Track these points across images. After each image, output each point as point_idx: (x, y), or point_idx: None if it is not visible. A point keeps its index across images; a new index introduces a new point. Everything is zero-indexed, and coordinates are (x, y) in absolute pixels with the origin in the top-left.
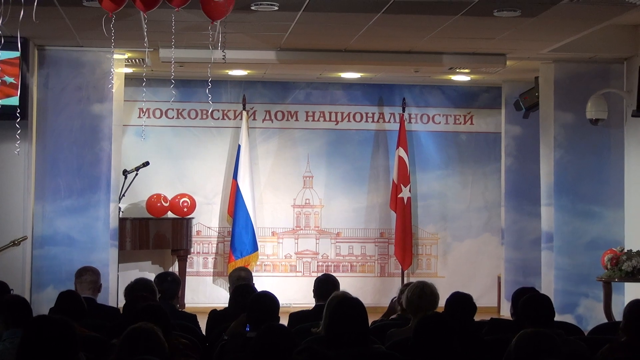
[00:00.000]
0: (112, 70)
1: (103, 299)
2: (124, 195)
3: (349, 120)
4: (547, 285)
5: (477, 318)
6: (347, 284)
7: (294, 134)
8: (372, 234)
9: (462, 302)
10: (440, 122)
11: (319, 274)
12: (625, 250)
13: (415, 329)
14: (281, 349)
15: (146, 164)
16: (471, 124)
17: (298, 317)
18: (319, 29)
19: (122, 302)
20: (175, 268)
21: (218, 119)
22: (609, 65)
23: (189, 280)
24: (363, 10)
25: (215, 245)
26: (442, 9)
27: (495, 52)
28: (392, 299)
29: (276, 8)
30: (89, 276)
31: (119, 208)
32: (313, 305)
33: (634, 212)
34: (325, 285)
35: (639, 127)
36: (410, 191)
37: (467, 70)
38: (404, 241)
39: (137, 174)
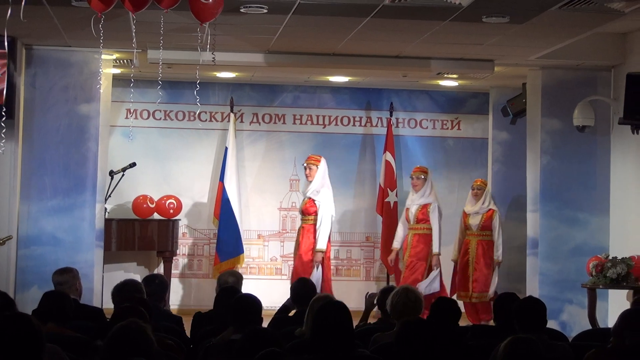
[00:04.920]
0: (100, 70)
1: (87, 300)
2: (110, 196)
3: (336, 124)
4: (532, 291)
5: (462, 323)
6: (333, 287)
7: (281, 136)
8: (358, 237)
9: (446, 307)
10: (427, 127)
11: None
12: (610, 257)
13: (396, 334)
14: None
15: (133, 165)
16: (458, 129)
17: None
18: (307, 33)
19: (106, 303)
20: (160, 270)
21: (205, 120)
22: (596, 73)
23: (174, 282)
24: (352, 14)
25: (201, 247)
26: (431, 14)
27: (484, 58)
28: (367, 294)
29: (265, 11)
30: (67, 277)
31: (105, 209)
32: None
33: (619, 219)
34: (303, 290)
35: (626, 135)
36: (397, 196)
37: (455, 76)
38: (390, 245)
39: (123, 175)
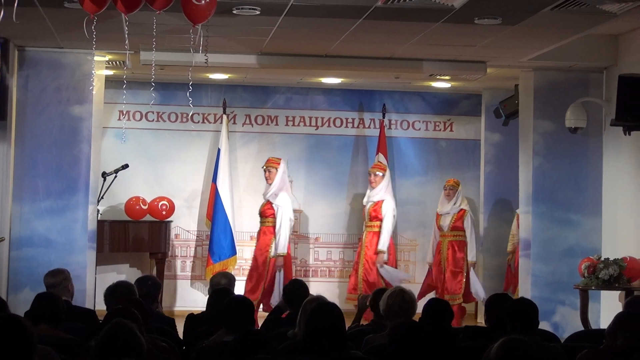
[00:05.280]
0: (92, 72)
1: (80, 302)
2: (102, 197)
3: (328, 126)
4: (524, 293)
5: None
6: (325, 289)
7: (274, 138)
8: (351, 239)
9: (439, 308)
10: (420, 129)
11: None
12: (603, 259)
13: (389, 336)
14: (259, 353)
15: (125, 166)
16: (451, 130)
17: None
18: (300, 34)
19: (99, 305)
20: (153, 271)
21: (198, 122)
22: (588, 74)
23: (167, 284)
24: (344, 16)
25: (193, 249)
26: (424, 16)
27: (476, 59)
28: (359, 296)
29: (258, 12)
30: (59, 278)
31: (98, 210)
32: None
33: (611, 220)
34: (296, 291)
35: (618, 136)
36: None
37: (447, 77)
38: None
39: (116, 177)
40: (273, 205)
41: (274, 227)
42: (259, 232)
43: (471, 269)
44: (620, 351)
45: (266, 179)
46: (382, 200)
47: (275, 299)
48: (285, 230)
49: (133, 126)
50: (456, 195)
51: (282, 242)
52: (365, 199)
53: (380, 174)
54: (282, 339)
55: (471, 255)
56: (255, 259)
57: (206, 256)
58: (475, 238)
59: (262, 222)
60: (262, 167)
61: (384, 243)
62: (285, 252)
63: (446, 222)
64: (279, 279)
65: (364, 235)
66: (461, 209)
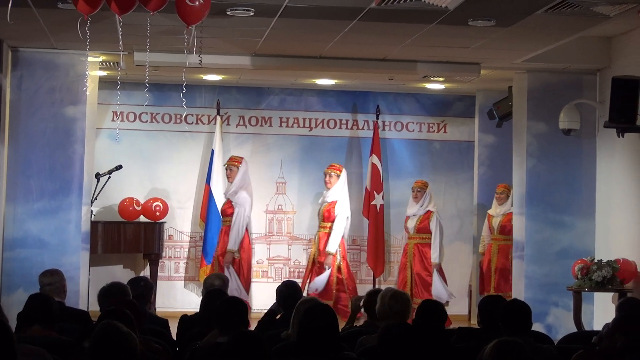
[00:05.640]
0: (86, 73)
1: (73, 303)
2: (96, 198)
3: (322, 127)
4: (518, 294)
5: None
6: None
7: (268, 139)
8: (345, 240)
9: (432, 309)
10: (413, 130)
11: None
12: (596, 260)
13: (379, 338)
14: (252, 355)
15: (119, 167)
16: (444, 132)
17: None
18: (294, 36)
19: (92, 306)
20: (146, 272)
21: (192, 123)
22: (582, 76)
23: (160, 285)
24: (338, 17)
25: (187, 250)
26: (418, 18)
27: (470, 61)
28: (353, 297)
29: (252, 14)
30: (53, 279)
31: (91, 211)
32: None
33: (604, 222)
34: (289, 292)
35: (611, 138)
36: (383, 198)
37: (441, 79)
38: (376, 248)
39: (109, 178)
40: (233, 203)
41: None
42: (220, 232)
43: (435, 270)
44: (617, 353)
45: (227, 177)
46: (336, 201)
47: None
48: (238, 227)
49: (127, 127)
50: (424, 197)
51: (232, 239)
52: (320, 199)
53: (336, 175)
54: (275, 340)
55: (434, 257)
56: (218, 260)
57: (200, 257)
58: (440, 240)
59: (223, 222)
60: (224, 165)
61: (332, 245)
62: (235, 249)
63: (412, 224)
64: (230, 275)
65: (316, 236)
66: (427, 211)
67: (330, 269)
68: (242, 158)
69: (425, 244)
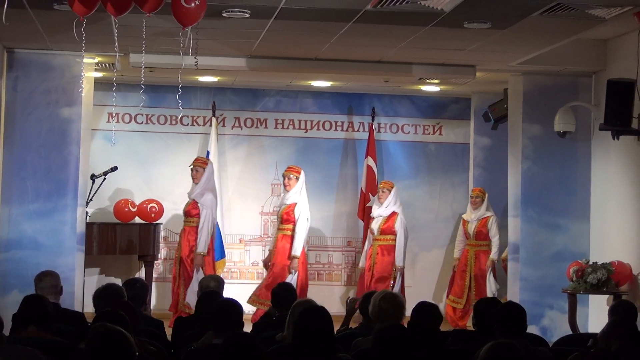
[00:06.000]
0: (81, 74)
1: (68, 304)
2: (91, 199)
3: (318, 129)
4: (513, 297)
5: (444, 328)
6: (314, 292)
7: (263, 141)
8: (340, 242)
9: (428, 311)
10: (409, 132)
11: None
12: (591, 263)
13: (373, 339)
14: (247, 357)
15: (114, 168)
16: (440, 134)
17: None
18: (289, 37)
19: (87, 307)
20: (141, 274)
21: (187, 125)
22: (577, 79)
23: (155, 286)
24: (334, 19)
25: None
26: (413, 20)
27: (465, 63)
28: (348, 299)
29: (247, 15)
30: (49, 280)
31: (86, 213)
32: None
33: (599, 224)
34: (284, 294)
35: (606, 141)
36: None
37: (436, 81)
38: None
39: (105, 179)
40: (199, 205)
41: (197, 227)
42: (182, 232)
43: (398, 274)
44: (610, 355)
45: (193, 178)
46: (295, 203)
47: (191, 298)
48: (207, 229)
49: (122, 128)
50: (388, 198)
51: (202, 242)
52: (279, 202)
53: (295, 177)
54: (271, 342)
55: (398, 260)
56: (181, 260)
57: None
58: (404, 243)
59: (186, 222)
60: (190, 166)
61: (297, 248)
62: (205, 252)
63: (376, 225)
64: (197, 278)
65: (273, 238)
66: (393, 212)
67: (296, 273)
68: (208, 160)
69: (388, 245)
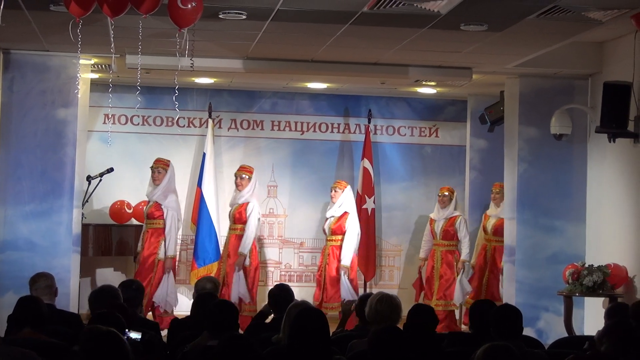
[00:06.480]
0: (78, 75)
1: (64, 305)
2: (87, 201)
3: (314, 131)
4: (509, 299)
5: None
6: (310, 294)
7: (259, 143)
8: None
9: (423, 313)
10: (405, 134)
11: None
12: (587, 265)
13: (369, 341)
14: (243, 358)
15: (110, 170)
16: (436, 136)
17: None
18: (286, 39)
19: (83, 309)
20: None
21: (183, 126)
22: (573, 81)
23: None
24: (331, 21)
25: (178, 253)
26: (409, 22)
27: (462, 65)
28: (344, 301)
29: (244, 17)
30: (44, 281)
31: (82, 214)
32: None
33: (595, 227)
34: (282, 296)
35: (602, 143)
36: (374, 202)
37: (433, 83)
38: (367, 252)
39: (101, 180)
40: (162, 207)
41: (163, 229)
42: (144, 234)
43: (342, 273)
44: (604, 357)
45: (154, 180)
46: (247, 203)
47: (162, 299)
48: (174, 232)
49: (118, 130)
50: (340, 198)
51: (172, 245)
52: (230, 201)
53: (247, 176)
54: (266, 344)
55: (344, 259)
56: (143, 260)
57: (191, 260)
58: (353, 242)
59: (148, 224)
60: (150, 167)
61: (245, 246)
62: (172, 255)
63: (328, 225)
64: (168, 281)
65: (226, 238)
66: (344, 212)
67: (240, 271)
68: (169, 161)
69: (338, 246)
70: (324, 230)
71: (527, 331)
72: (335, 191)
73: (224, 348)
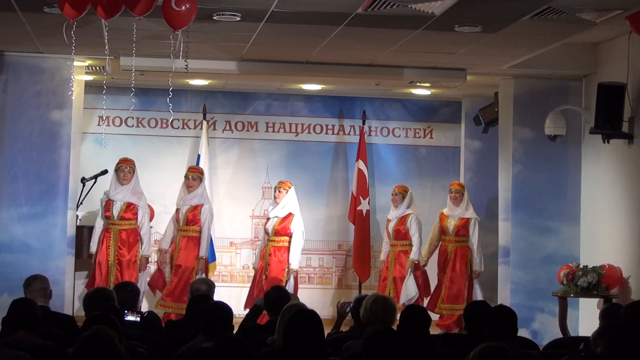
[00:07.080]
0: (72, 77)
1: (58, 307)
2: (81, 203)
3: (309, 132)
4: (504, 300)
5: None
6: (305, 295)
7: (254, 144)
8: (331, 245)
9: (417, 314)
10: (400, 136)
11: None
12: (581, 266)
13: (363, 342)
14: None
15: (105, 172)
16: (431, 137)
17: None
18: (280, 41)
19: (78, 311)
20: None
21: (178, 128)
22: (567, 82)
23: (147, 290)
24: (325, 22)
25: None
26: (404, 23)
27: (456, 66)
28: (339, 303)
29: (238, 19)
30: (38, 284)
31: (77, 216)
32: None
33: (590, 228)
34: (277, 298)
35: (597, 144)
36: (369, 204)
37: (427, 85)
38: (362, 253)
39: (95, 182)
40: (137, 208)
41: (139, 230)
42: (118, 234)
43: (291, 276)
44: (599, 358)
45: (122, 180)
46: (201, 205)
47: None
48: (150, 232)
49: (113, 132)
50: (285, 198)
51: (148, 245)
52: (180, 203)
53: (198, 177)
54: (261, 345)
55: (292, 263)
56: (119, 263)
57: None
58: (298, 244)
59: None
60: (117, 167)
61: (204, 250)
62: (149, 254)
63: (271, 225)
64: (143, 281)
65: (177, 240)
66: (289, 213)
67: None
68: (133, 161)
69: (282, 247)
70: (265, 231)
71: (522, 332)
72: (279, 191)
73: (219, 350)
